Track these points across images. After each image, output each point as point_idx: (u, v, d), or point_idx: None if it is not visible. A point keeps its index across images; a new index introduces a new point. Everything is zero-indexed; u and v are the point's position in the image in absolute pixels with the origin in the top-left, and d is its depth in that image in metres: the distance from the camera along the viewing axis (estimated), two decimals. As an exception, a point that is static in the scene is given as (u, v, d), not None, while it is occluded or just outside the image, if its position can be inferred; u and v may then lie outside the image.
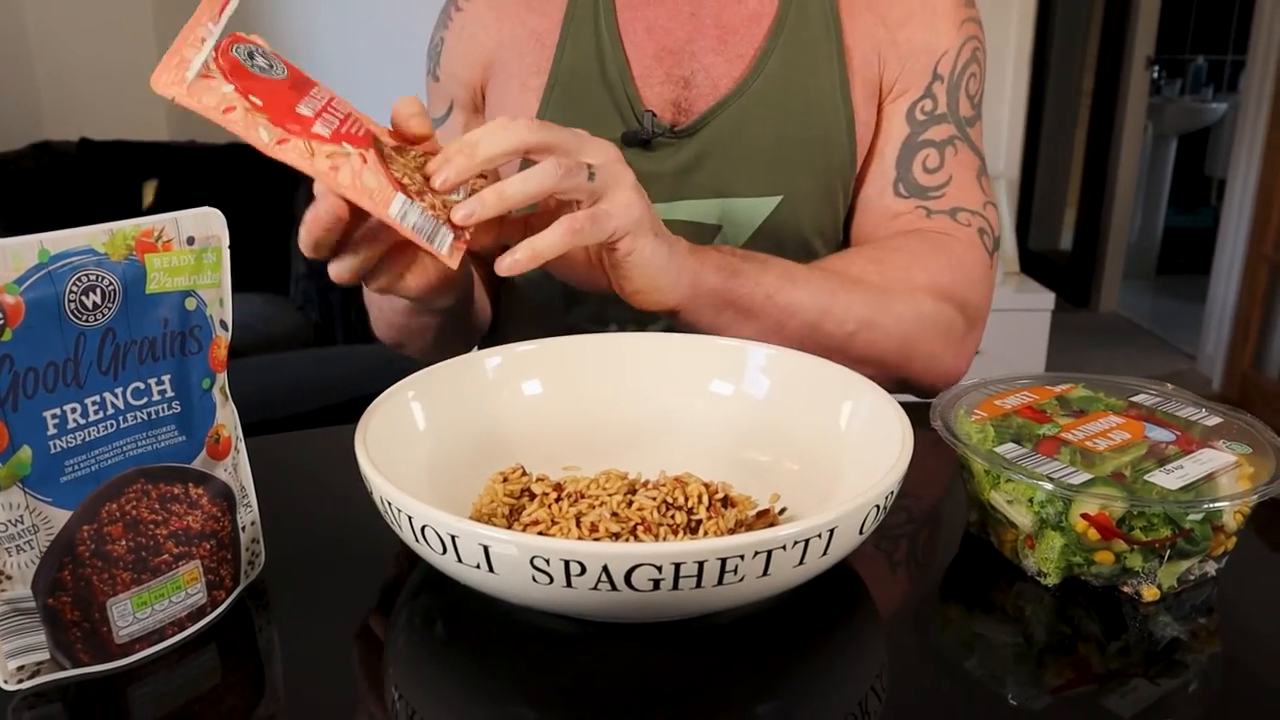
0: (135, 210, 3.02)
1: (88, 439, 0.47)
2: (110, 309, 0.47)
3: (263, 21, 3.32)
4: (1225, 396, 3.41)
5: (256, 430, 0.56)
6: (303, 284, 2.79)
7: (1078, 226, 4.54)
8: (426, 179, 0.58)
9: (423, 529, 0.46)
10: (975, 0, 0.90)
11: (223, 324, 0.51)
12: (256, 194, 2.82)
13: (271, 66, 0.55)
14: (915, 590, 0.58)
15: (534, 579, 0.44)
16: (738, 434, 0.65)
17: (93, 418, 0.47)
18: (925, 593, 0.58)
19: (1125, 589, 0.54)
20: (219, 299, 0.51)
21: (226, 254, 0.51)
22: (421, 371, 0.63)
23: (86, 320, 0.46)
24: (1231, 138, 3.54)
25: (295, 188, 2.97)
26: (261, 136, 0.52)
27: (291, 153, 0.53)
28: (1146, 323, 4.25)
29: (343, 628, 0.52)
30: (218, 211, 0.50)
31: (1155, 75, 4.52)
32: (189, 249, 0.49)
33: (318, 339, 2.68)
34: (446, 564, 0.47)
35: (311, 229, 0.57)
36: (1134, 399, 0.64)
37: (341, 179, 0.54)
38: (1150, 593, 0.53)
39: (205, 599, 0.52)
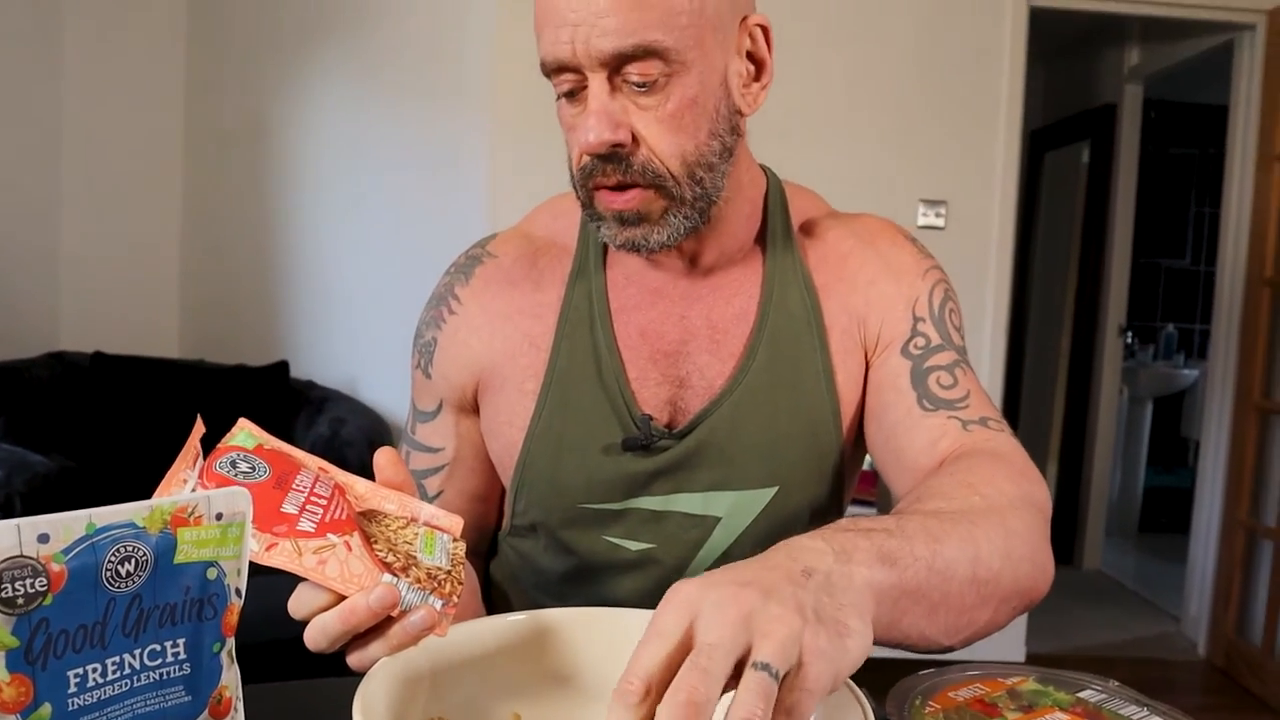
0: (144, 423, 3.09)
1: (103, 697, 0.51)
2: (141, 577, 0.52)
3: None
4: (1211, 662, 3.38)
5: (243, 652, 0.58)
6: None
7: (1059, 484, 4.63)
8: (409, 546, 0.64)
9: None
10: (931, 254, 0.98)
11: (238, 591, 0.56)
12: (258, 414, 2.90)
13: (254, 469, 0.63)
14: None
15: None
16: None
17: (110, 677, 0.51)
18: None
19: None
20: (237, 569, 0.56)
21: (249, 528, 0.56)
22: None
23: (119, 587, 0.51)
24: (1203, 403, 3.69)
25: (296, 413, 3.07)
26: (251, 546, 0.58)
27: (280, 556, 0.59)
28: (1131, 582, 4.26)
29: None
30: (246, 491, 0.56)
31: (1128, 341, 4.75)
32: (217, 524, 0.55)
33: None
34: None
35: (319, 640, 0.60)
36: (1080, 694, 0.68)
37: (329, 572, 0.59)
38: None
39: None
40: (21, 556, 0.48)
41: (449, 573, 0.63)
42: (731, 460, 0.91)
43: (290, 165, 3.55)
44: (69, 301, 3.65)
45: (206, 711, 0.55)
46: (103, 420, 3.12)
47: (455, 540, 0.67)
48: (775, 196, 0.96)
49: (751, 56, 0.86)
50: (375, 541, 0.63)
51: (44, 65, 3.55)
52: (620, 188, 0.82)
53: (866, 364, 0.94)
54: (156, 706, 0.53)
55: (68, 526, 0.49)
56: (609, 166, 0.81)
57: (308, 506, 0.62)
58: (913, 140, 3.11)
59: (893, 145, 3.10)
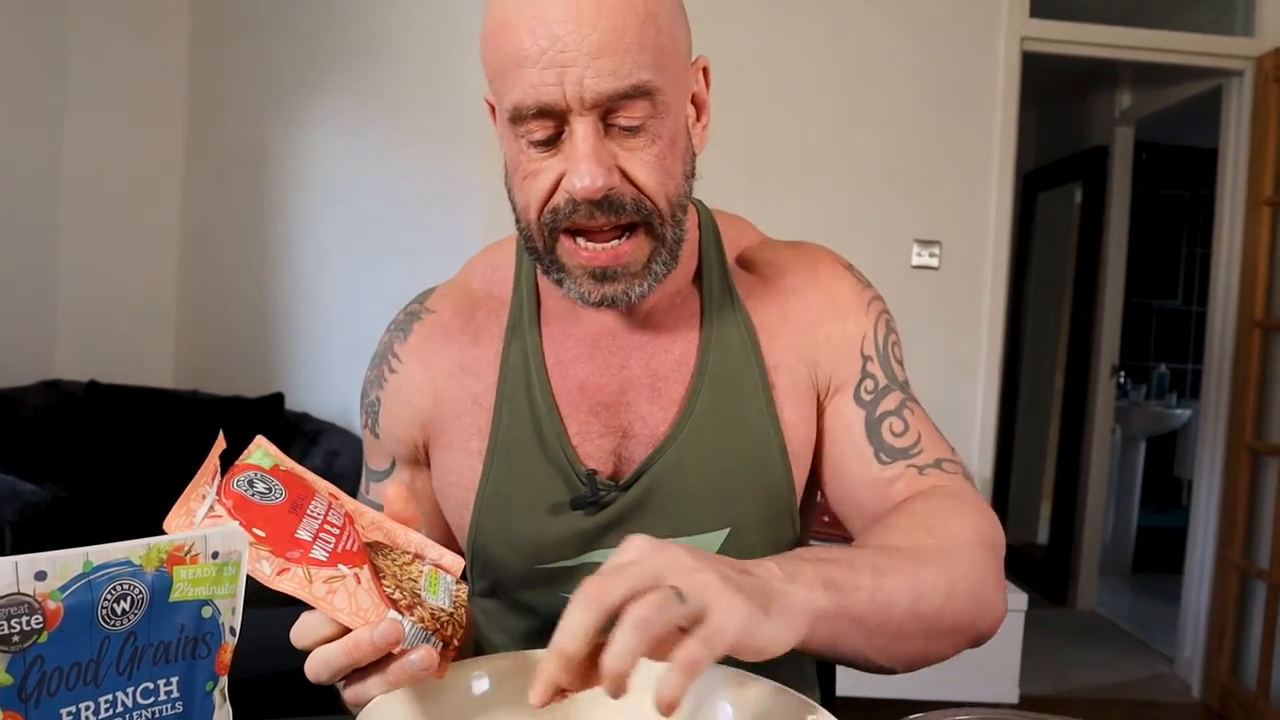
0: (138, 454, 3.09)
1: (94, 735, 0.51)
2: (136, 615, 0.52)
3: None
4: (1206, 704, 3.37)
5: (234, 687, 0.58)
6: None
7: (1053, 523, 4.63)
8: (415, 583, 0.64)
9: None
10: (869, 281, 0.97)
11: (232, 630, 0.57)
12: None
13: (270, 490, 0.63)
14: None
15: None
16: None
17: (103, 714, 0.51)
18: None
19: None
20: (232, 608, 0.57)
21: (245, 566, 0.57)
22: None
23: (114, 625, 0.51)
24: (1195, 443, 3.70)
25: (291, 445, 3.07)
26: (263, 569, 0.59)
27: (290, 582, 0.59)
28: (1125, 623, 4.24)
29: None
30: (242, 530, 0.57)
31: (1121, 381, 4.76)
32: (212, 562, 0.55)
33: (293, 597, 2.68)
34: None
35: (320, 671, 0.61)
36: (1068, 739, 0.68)
37: (337, 603, 0.60)
38: None
39: None
40: (18, 594, 0.48)
41: (451, 615, 0.64)
42: (680, 506, 0.89)
43: (289, 197, 3.58)
44: (65, 330, 3.66)
45: (198, 750, 0.55)
46: (97, 450, 3.11)
47: (458, 582, 0.67)
48: (708, 230, 0.95)
49: (694, 98, 0.86)
50: (383, 577, 0.63)
51: (45, 93, 3.58)
52: (608, 231, 0.80)
53: (819, 405, 0.93)
54: (148, 745, 0.53)
55: (65, 564, 0.50)
56: (598, 211, 0.78)
57: (321, 534, 0.62)
58: (908, 181, 3.14)
59: (888, 186, 3.14)
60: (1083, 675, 3.63)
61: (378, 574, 0.62)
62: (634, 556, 0.59)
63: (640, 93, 0.76)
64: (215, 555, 0.55)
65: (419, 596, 0.63)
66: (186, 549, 0.54)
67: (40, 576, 0.49)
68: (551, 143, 0.78)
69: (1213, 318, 3.49)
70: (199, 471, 0.63)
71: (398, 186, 3.29)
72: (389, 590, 0.62)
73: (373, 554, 0.65)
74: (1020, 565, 4.67)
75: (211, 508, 0.60)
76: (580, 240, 0.81)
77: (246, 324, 3.67)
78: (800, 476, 0.93)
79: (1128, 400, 5.03)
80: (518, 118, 0.77)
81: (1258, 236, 3.23)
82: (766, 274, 0.96)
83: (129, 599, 0.52)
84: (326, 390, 3.43)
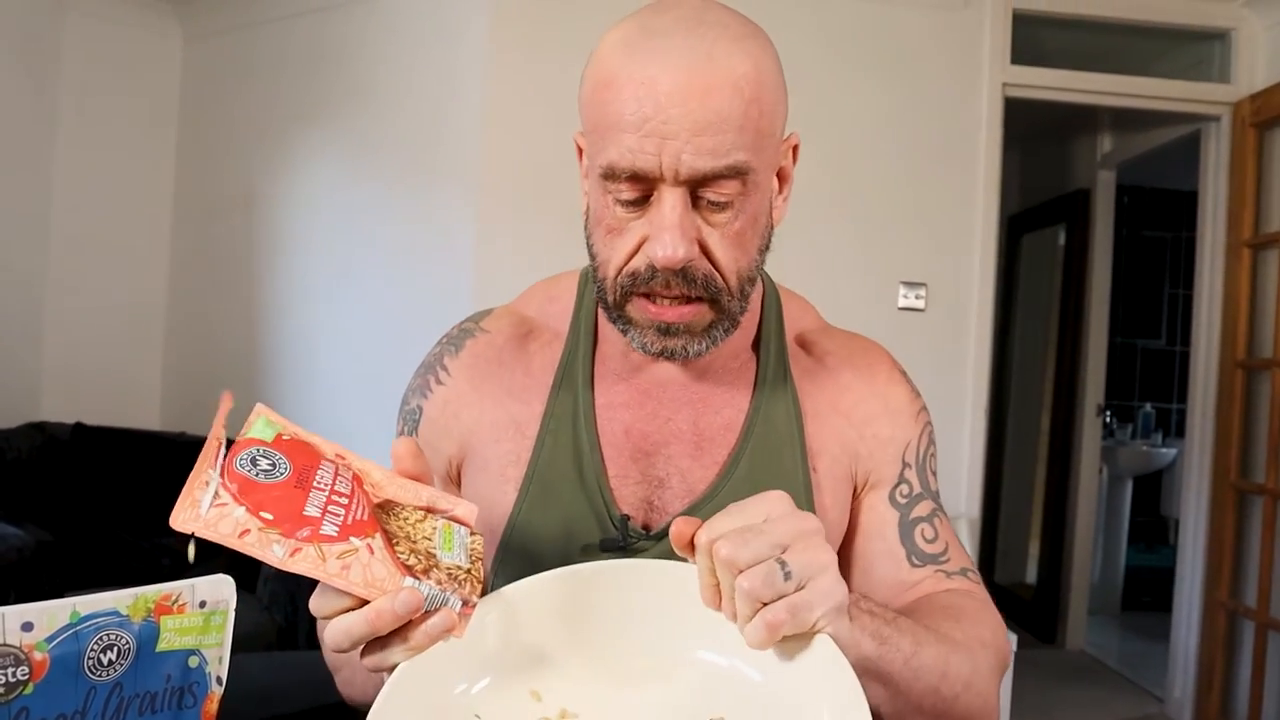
0: (124, 496, 3.07)
1: (79, 787, 0.51)
2: (123, 665, 0.52)
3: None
4: (1197, 746, 3.35)
5: None
6: (271, 584, 2.80)
7: (1041, 563, 4.62)
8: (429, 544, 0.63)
9: None
10: (918, 389, 0.99)
11: (219, 680, 0.57)
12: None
13: (275, 466, 0.62)
14: None
15: None
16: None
17: (87, 767, 0.51)
18: None
19: None
20: (219, 657, 0.57)
21: (232, 615, 0.57)
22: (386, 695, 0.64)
23: (100, 675, 0.52)
24: (1181, 482, 3.71)
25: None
26: (275, 553, 0.57)
27: (303, 563, 0.58)
28: (1114, 662, 4.23)
29: None
30: (229, 579, 0.57)
31: (1107, 420, 4.79)
32: (200, 611, 0.56)
33: (280, 641, 2.65)
34: None
35: (341, 641, 0.60)
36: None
37: (353, 578, 0.59)
38: None
39: None
40: (5, 645, 0.49)
41: (468, 571, 0.63)
42: None
43: (278, 239, 3.59)
44: (51, 371, 3.64)
45: (182, 801, 0.55)
46: (82, 492, 3.09)
47: (473, 534, 0.66)
48: (771, 303, 0.97)
49: (779, 171, 0.88)
50: (396, 541, 0.62)
51: (35, 135, 3.60)
52: (676, 300, 0.81)
53: (854, 496, 0.96)
54: (133, 796, 0.53)
55: (52, 615, 0.50)
56: (673, 279, 0.79)
57: (329, 508, 0.60)
58: (894, 224, 3.17)
59: (874, 229, 3.17)
60: (1073, 716, 3.61)
61: (390, 540, 0.61)
62: (770, 513, 0.65)
63: (734, 173, 0.77)
64: (203, 604, 0.56)
65: (434, 556, 0.62)
66: (174, 598, 0.55)
67: (27, 628, 0.49)
68: (639, 204, 0.79)
69: (1196, 358, 3.52)
70: (203, 452, 0.61)
71: (388, 229, 3.31)
72: (403, 556, 0.61)
73: (384, 517, 0.64)
74: (1009, 605, 4.66)
75: (216, 494, 0.58)
76: (652, 299, 0.82)
77: (234, 366, 3.67)
78: None
79: (1114, 440, 5.05)
80: (610, 176, 0.78)
81: (1238, 277, 3.27)
82: (826, 362, 0.97)
83: (116, 649, 0.52)
84: (314, 431, 3.41)
